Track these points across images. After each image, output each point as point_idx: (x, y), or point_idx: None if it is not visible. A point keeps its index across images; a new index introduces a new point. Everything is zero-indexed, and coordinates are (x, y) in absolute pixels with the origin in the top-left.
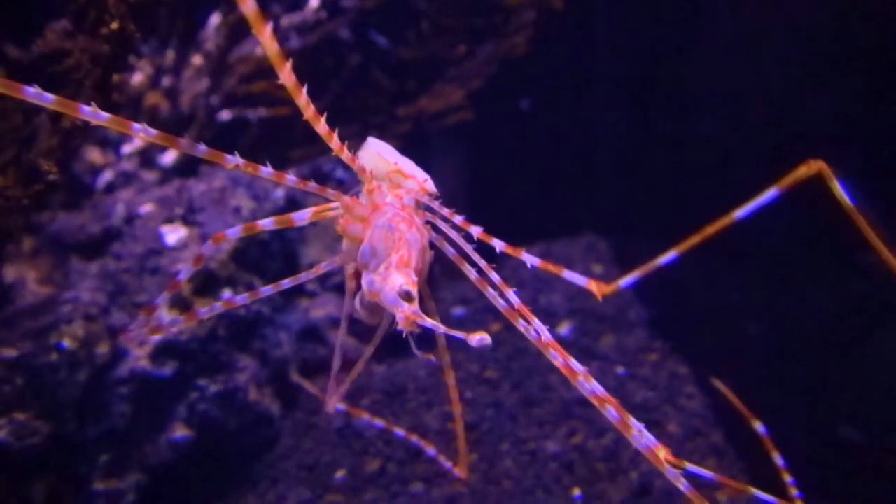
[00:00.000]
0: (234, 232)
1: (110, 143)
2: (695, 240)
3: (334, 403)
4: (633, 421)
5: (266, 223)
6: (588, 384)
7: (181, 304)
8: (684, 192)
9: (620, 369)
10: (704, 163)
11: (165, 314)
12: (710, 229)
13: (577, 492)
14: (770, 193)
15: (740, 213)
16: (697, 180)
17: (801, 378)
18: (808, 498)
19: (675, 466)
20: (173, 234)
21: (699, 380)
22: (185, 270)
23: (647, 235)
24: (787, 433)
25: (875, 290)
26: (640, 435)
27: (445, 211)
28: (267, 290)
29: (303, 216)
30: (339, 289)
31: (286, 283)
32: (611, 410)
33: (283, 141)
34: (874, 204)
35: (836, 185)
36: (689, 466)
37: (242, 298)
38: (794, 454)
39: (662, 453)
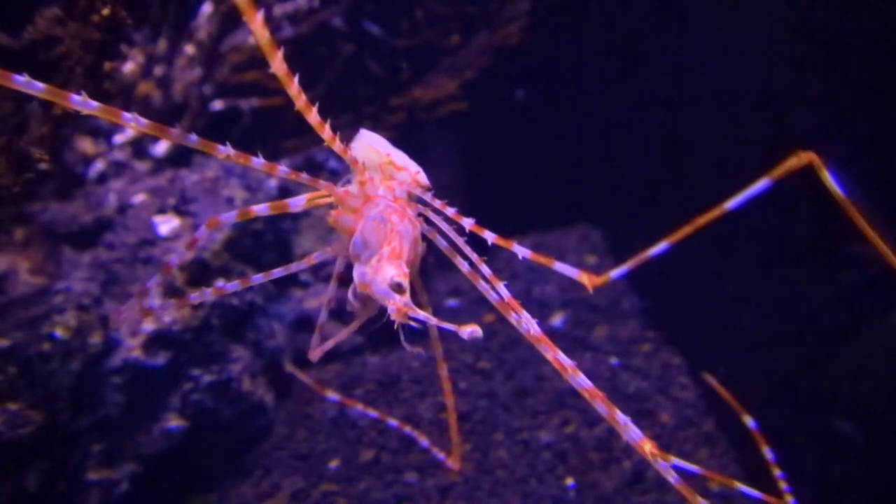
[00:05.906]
0: (230, 217)
1: (102, 132)
2: (687, 230)
3: (318, 354)
4: (619, 415)
5: (260, 209)
6: (576, 378)
7: (174, 295)
8: (679, 182)
9: (614, 360)
10: (698, 154)
11: (158, 301)
12: (703, 219)
13: (570, 481)
14: (761, 184)
15: (732, 203)
16: (691, 171)
17: (794, 369)
18: (800, 490)
19: (661, 459)
20: (166, 225)
21: (692, 370)
22: (179, 254)
23: (641, 226)
24: (779, 425)
25: (868, 281)
26: (626, 428)
27: (438, 203)
28: (258, 278)
29: (297, 202)
30: None
31: (278, 271)
32: (599, 405)
33: (276, 131)
34: (866, 195)
35: (827, 175)
36: (676, 461)
37: (234, 286)
38: (787, 446)
39: (648, 446)
